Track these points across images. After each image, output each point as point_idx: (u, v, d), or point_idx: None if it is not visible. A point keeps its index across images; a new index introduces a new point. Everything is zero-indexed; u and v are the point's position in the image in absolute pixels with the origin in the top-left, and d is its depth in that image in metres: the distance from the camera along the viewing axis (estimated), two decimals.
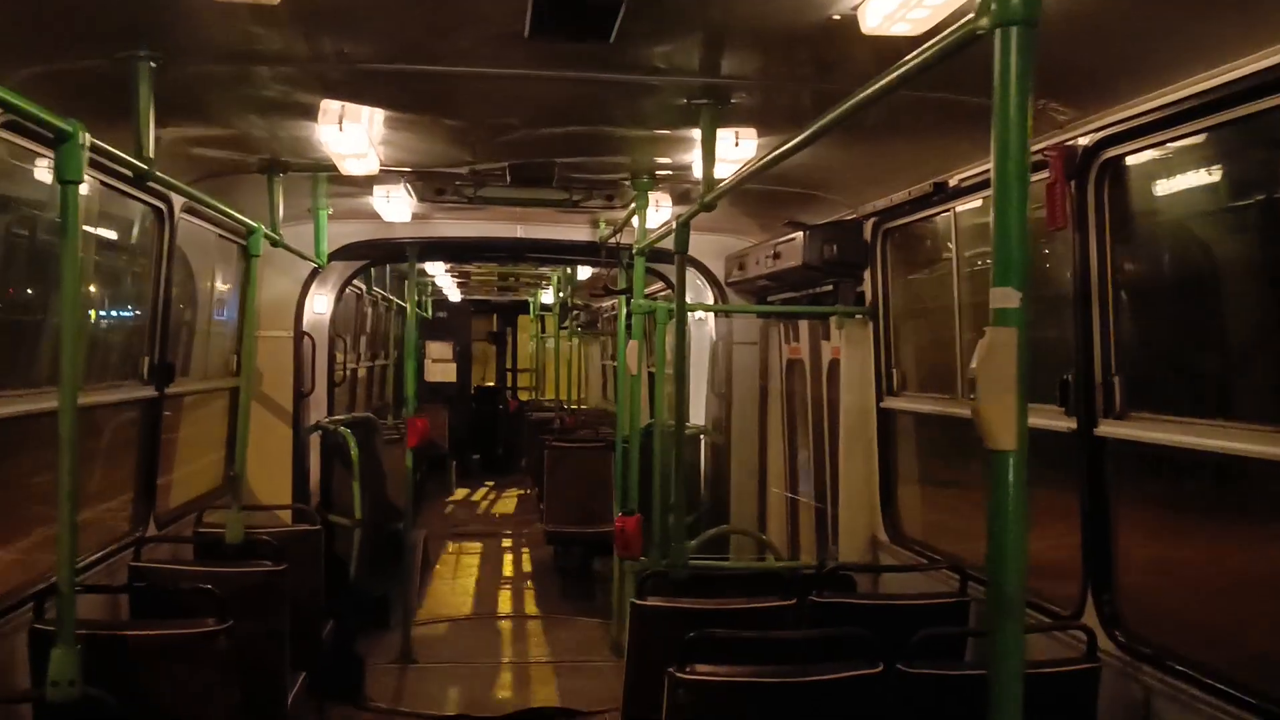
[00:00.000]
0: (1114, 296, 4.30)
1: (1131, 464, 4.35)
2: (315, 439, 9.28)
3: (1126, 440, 4.22)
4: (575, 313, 18.80)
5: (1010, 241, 2.03)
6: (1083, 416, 4.35)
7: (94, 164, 3.90)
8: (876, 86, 3.09)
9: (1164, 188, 4.31)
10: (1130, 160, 4.25)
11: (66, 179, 3.51)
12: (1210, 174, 4.12)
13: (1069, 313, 4.44)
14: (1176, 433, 3.97)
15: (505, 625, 10.43)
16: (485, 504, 18.51)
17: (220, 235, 7.35)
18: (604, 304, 18.14)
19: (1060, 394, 4.45)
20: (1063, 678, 4.06)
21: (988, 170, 5.10)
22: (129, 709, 3.56)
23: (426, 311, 18.92)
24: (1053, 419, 4.46)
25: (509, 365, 25.76)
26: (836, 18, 3.59)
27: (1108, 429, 4.27)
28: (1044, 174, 4.35)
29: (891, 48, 3.38)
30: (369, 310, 15.04)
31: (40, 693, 3.59)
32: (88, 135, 3.57)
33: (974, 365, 2.03)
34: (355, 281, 11.14)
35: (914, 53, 2.72)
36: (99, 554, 5.47)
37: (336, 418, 9.84)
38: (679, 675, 3.92)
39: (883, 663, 4.00)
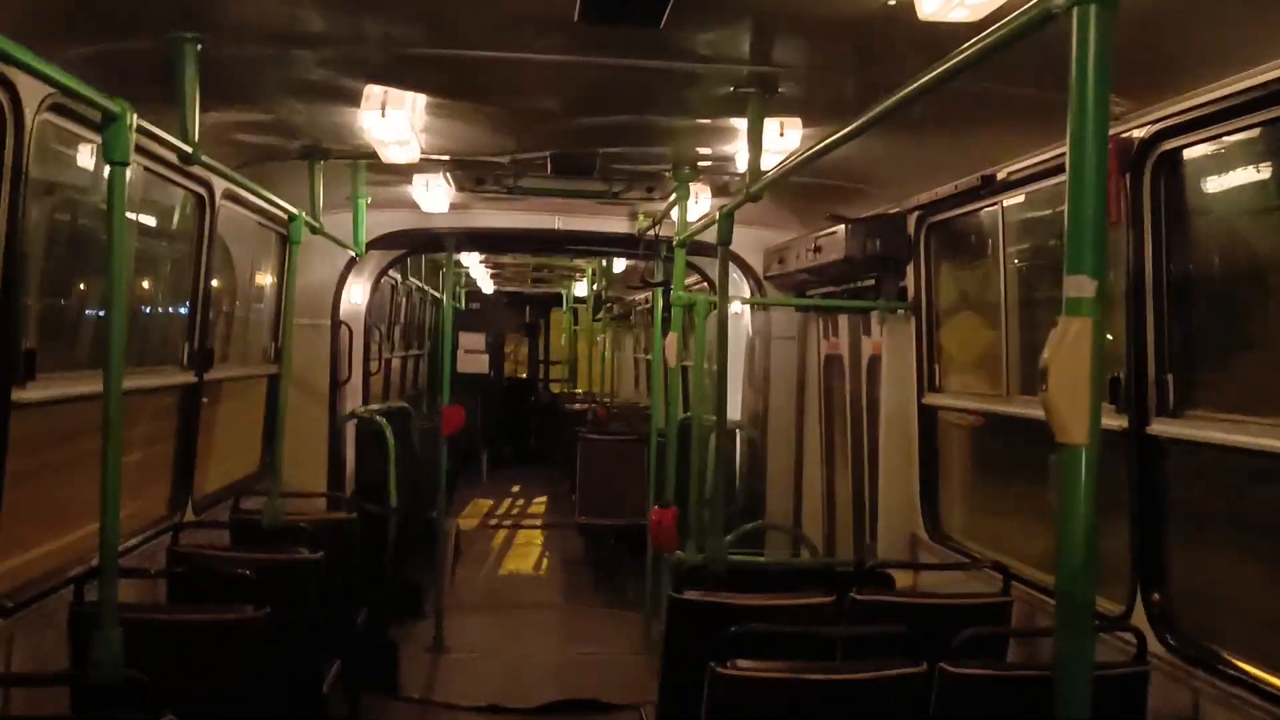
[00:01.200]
0: (1168, 293, 4.21)
1: (1184, 463, 4.26)
2: (351, 427, 9.29)
3: (1180, 439, 4.13)
4: (609, 305, 18.77)
5: (1085, 229, 1.97)
6: (1134, 414, 4.26)
7: (138, 148, 3.89)
8: (932, 75, 3.02)
9: (1223, 182, 4.21)
10: (1188, 154, 4.15)
11: (114, 160, 3.49)
12: (1272, 168, 4.02)
13: (1120, 308, 4.35)
14: (1231, 432, 3.88)
15: (537, 616, 10.42)
16: (517, 495, 18.52)
17: (260, 222, 7.35)
18: (638, 297, 18.10)
19: (1111, 391, 4.36)
20: (1111, 681, 3.98)
21: (1039, 163, 5.05)
22: (166, 692, 3.54)
23: (460, 303, 18.95)
24: (1104, 416, 4.36)
25: (541, 357, 25.76)
26: (892, 3, 3.52)
27: (1160, 427, 4.18)
28: None
29: (948, 35, 3.31)
30: (403, 300, 15.06)
31: (81, 674, 3.59)
32: (135, 116, 3.55)
33: (1046, 356, 1.97)
34: (390, 271, 11.15)
35: (978, 38, 2.64)
36: (137, 538, 5.48)
37: (372, 407, 9.85)
38: (720, 671, 3.87)
39: (926, 662, 3.94)
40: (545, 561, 13.19)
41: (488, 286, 19.84)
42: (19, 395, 4.08)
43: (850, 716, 3.98)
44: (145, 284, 6.41)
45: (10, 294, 3.94)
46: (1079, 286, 1.96)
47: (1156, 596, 4.22)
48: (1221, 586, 4.38)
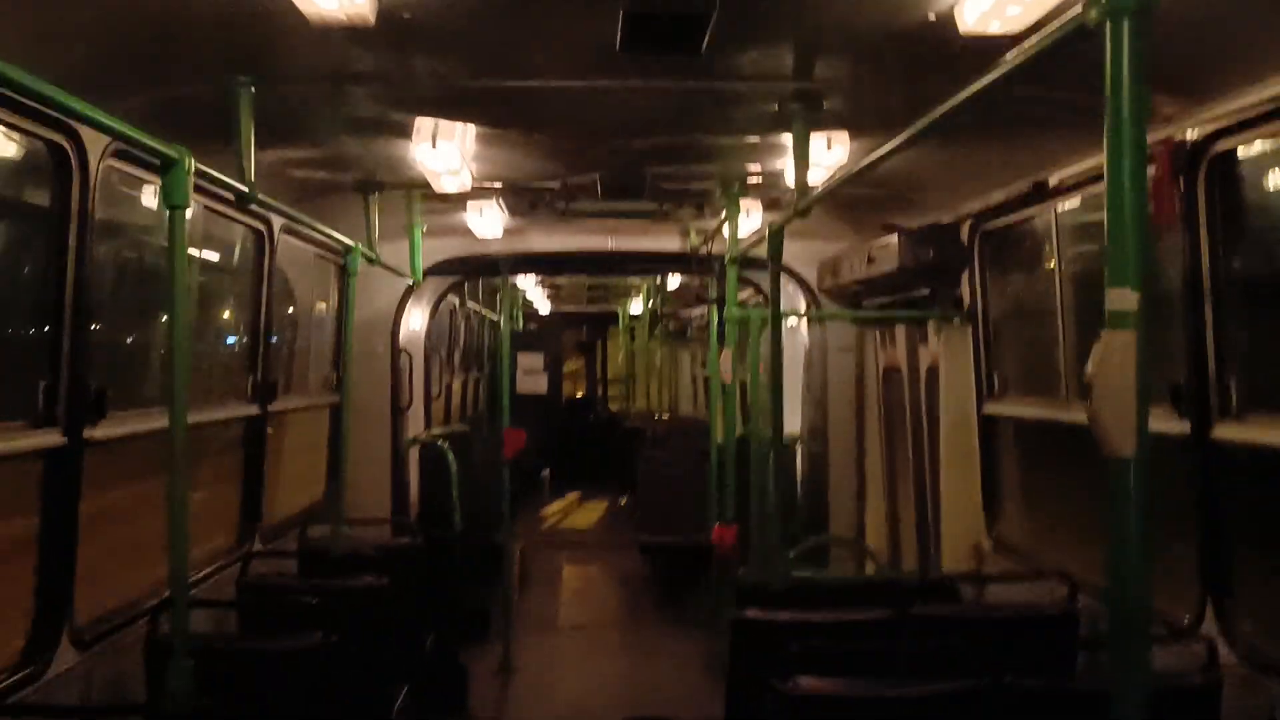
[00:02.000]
0: (1228, 296, 4.14)
1: (1250, 467, 4.18)
2: (414, 452, 9.39)
3: (1244, 443, 4.06)
4: (664, 322, 18.79)
5: (1125, 240, 1.96)
6: (1196, 419, 4.19)
7: (198, 189, 4.00)
8: (977, 87, 3.02)
9: (1279, 182, 4.14)
10: (1242, 153, 4.09)
11: (174, 204, 3.60)
12: None
13: (1177, 313, 4.29)
14: None
15: (603, 635, 10.44)
16: (578, 515, 18.56)
17: (318, 255, 7.49)
18: (693, 312, 18.10)
19: (1172, 396, 4.30)
20: (1182, 691, 3.91)
21: (1090, 168, 5.00)
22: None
23: (518, 324, 19.09)
24: (1164, 422, 4.31)
25: (599, 376, 25.84)
26: (933, 18, 3.52)
27: (1224, 432, 4.11)
28: (1149, 170, 4.20)
29: (989, 47, 3.31)
30: (462, 324, 15.22)
31: (156, 705, 3.67)
32: (193, 161, 3.66)
33: (1089, 370, 1.96)
34: (448, 296, 11.27)
35: (1018, 49, 2.65)
36: (208, 569, 5.59)
37: (434, 431, 9.95)
38: (782, 691, 3.86)
39: (990, 677, 3.90)
40: (609, 581, 13.21)
41: (544, 307, 19.96)
42: (90, 433, 4.21)
43: None
44: (213, 318, 6.56)
45: (79, 334, 4.07)
46: (1121, 300, 1.95)
47: (1226, 605, 4.14)
48: None
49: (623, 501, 17.19)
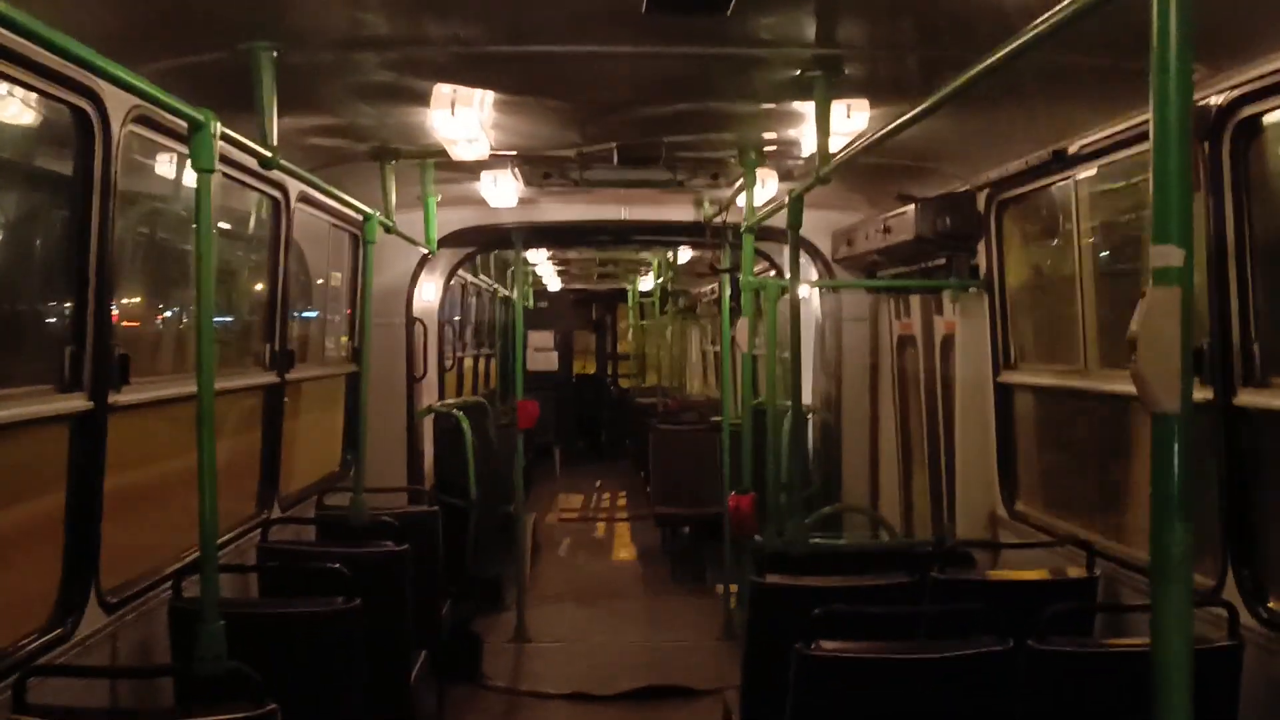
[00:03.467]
0: (1252, 260, 4.13)
1: (1273, 433, 4.18)
2: (428, 423, 9.42)
3: (1268, 409, 4.06)
4: (674, 298, 18.79)
5: (1170, 198, 1.95)
6: (1220, 385, 4.19)
7: (220, 155, 4.00)
8: (1005, 51, 3.01)
9: None
10: (1268, 119, 4.07)
11: (201, 167, 3.60)
12: None
13: (1202, 278, 4.28)
14: None
15: (617, 605, 10.50)
16: (591, 488, 18.63)
17: (334, 224, 7.49)
18: (703, 289, 18.08)
19: (1195, 362, 4.29)
20: (1204, 656, 3.91)
21: (1111, 134, 4.98)
22: (268, 682, 3.66)
23: (529, 301, 19.10)
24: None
25: (610, 352, 25.88)
26: None
27: (1248, 398, 4.11)
28: None
29: (1015, 8, 3.30)
30: (473, 300, 15.23)
31: (186, 666, 3.71)
32: (219, 124, 3.66)
33: (1134, 327, 1.96)
34: (460, 271, 11.28)
35: (1050, 12, 2.63)
36: (229, 535, 5.63)
37: (449, 401, 9.97)
38: (807, 653, 3.89)
39: (1012, 640, 3.92)
40: (622, 551, 13.28)
41: (554, 284, 19.95)
42: (115, 399, 4.22)
43: (936, 695, 3.98)
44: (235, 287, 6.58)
45: (102, 302, 4.08)
46: (1166, 256, 1.94)
47: (1248, 570, 4.15)
48: None
49: (636, 473, 17.23)
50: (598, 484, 18.79)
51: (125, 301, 5.05)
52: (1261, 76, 3.89)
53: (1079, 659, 3.98)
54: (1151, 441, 1.98)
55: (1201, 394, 4.26)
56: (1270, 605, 4.09)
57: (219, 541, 5.38)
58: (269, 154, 4.46)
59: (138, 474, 5.29)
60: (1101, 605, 5.04)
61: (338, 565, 4.82)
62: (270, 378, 6.33)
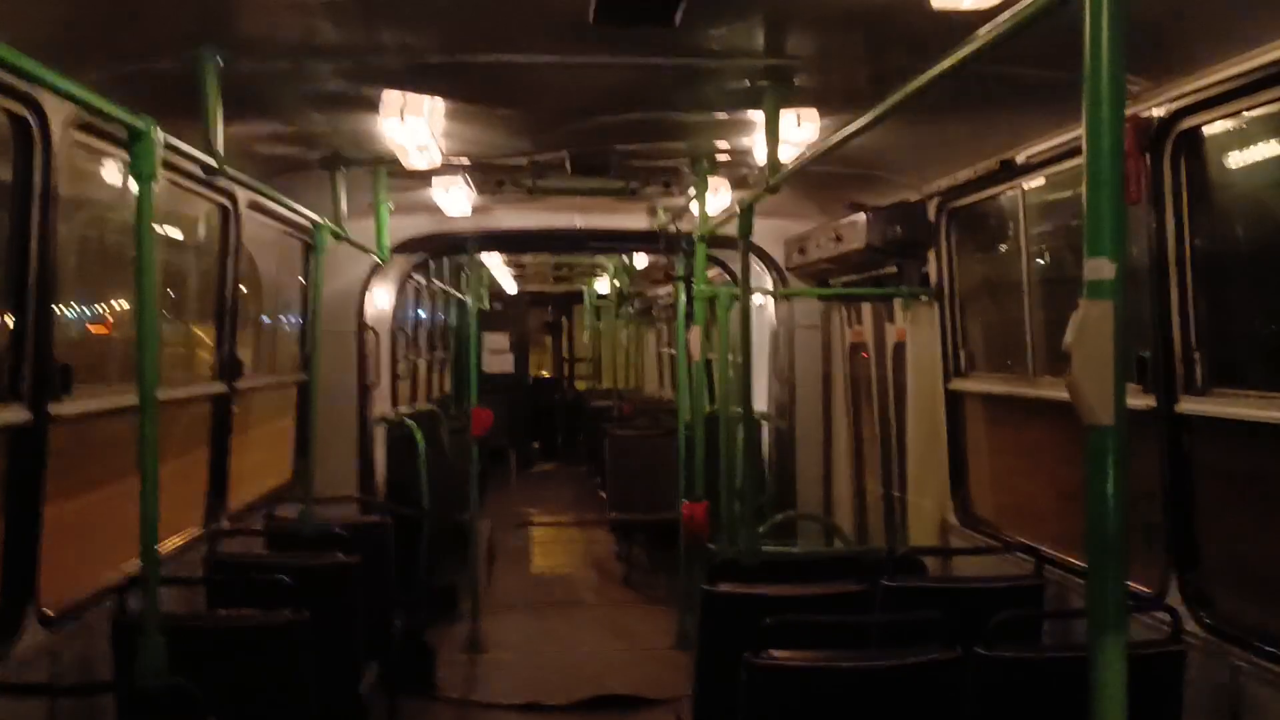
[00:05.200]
0: (1193, 271, 4.20)
1: (1214, 441, 4.25)
2: (381, 431, 9.35)
3: (1209, 417, 4.12)
4: (631, 301, 18.79)
5: (1103, 211, 1.98)
6: (1162, 393, 4.25)
7: (164, 163, 3.95)
8: (948, 63, 3.03)
9: (1244, 158, 4.19)
10: (1208, 131, 4.14)
11: (142, 175, 3.55)
12: None
13: (1144, 287, 4.34)
14: (1259, 408, 3.88)
15: (572, 613, 10.46)
16: (547, 493, 18.57)
17: (285, 232, 7.42)
18: (659, 292, 18.10)
19: (1138, 371, 4.36)
20: (1147, 660, 3.98)
21: (1057, 145, 5.04)
22: (211, 697, 3.61)
23: (484, 303, 19.02)
24: (1131, 396, 4.34)
25: (565, 355, 25.83)
26: None
27: (1189, 406, 4.17)
28: None
29: (961, 22, 3.32)
30: (427, 303, 15.13)
31: (128, 682, 3.65)
32: (160, 132, 3.61)
33: (1068, 339, 1.98)
34: (414, 275, 11.22)
35: (991, 25, 2.65)
36: (175, 547, 5.55)
37: (401, 410, 9.91)
38: (756, 662, 3.89)
39: (960, 647, 3.95)
40: (577, 558, 13.23)
41: (510, 287, 19.89)
42: (56, 409, 4.15)
43: (886, 703, 4.00)
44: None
45: (44, 310, 4.01)
46: (1099, 269, 1.97)
47: (1190, 576, 4.21)
48: (1257, 564, 4.36)
49: (591, 478, 17.20)
50: (552, 487, 18.73)
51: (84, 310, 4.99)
52: (1201, 89, 3.96)
53: (1025, 665, 4.02)
54: (1087, 452, 2.00)
55: (1144, 402, 4.33)
56: (1212, 610, 4.15)
57: (164, 554, 5.33)
58: (214, 162, 4.41)
59: (82, 485, 5.21)
60: (1048, 612, 5.09)
61: (286, 577, 4.77)
62: (218, 387, 6.25)
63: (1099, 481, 1.98)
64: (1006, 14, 2.57)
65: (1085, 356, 1.96)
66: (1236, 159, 4.22)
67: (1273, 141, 4.06)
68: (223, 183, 5.35)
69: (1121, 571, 1.99)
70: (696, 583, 7.17)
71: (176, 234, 6.21)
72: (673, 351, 17.99)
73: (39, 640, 4.07)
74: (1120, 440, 1.97)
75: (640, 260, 13.95)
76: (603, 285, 18.85)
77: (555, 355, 25.68)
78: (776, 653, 3.94)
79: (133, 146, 3.55)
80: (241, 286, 6.58)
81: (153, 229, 3.68)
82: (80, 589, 4.59)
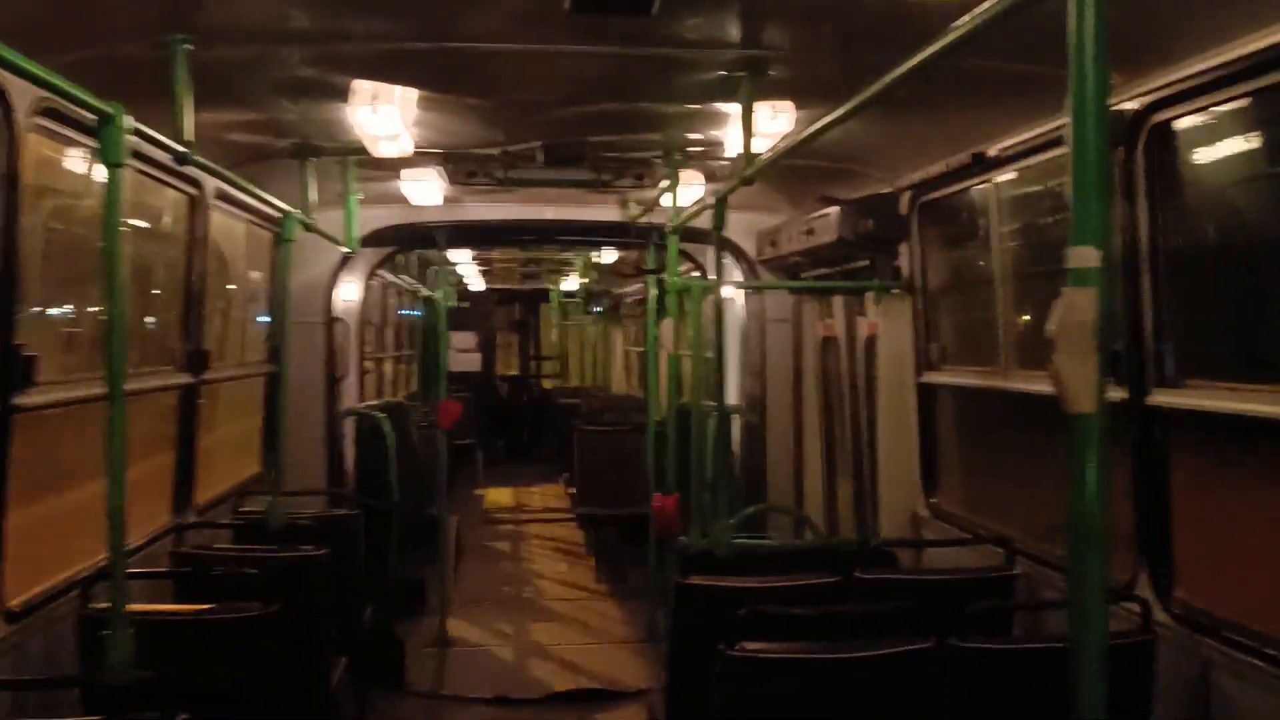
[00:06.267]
0: (1164, 264, 4.23)
1: (1185, 433, 4.28)
2: (350, 425, 9.29)
3: (1180, 409, 4.16)
4: (598, 299, 18.78)
5: (1089, 201, 1.98)
6: (1134, 386, 4.28)
7: (131, 150, 3.88)
8: (925, 55, 3.04)
9: (1214, 153, 4.23)
10: (1179, 125, 4.17)
11: (110, 162, 3.49)
12: (1262, 138, 4.03)
13: (1116, 281, 4.37)
14: (1230, 400, 3.91)
15: (541, 607, 10.45)
16: (514, 489, 18.52)
17: (253, 222, 7.34)
18: (626, 290, 18.08)
19: (1110, 363, 4.38)
20: (1118, 650, 3.98)
21: (1029, 139, 5.06)
22: (179, 691, 3.56)
23: (451, 301, 18.89)
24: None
25: (533, 353, 25.77)
26: None
27: (1161, 398, 4.20)
28: None
29: (937, 13, 3.32)
30: (395, 300, 15.05)
31: (94, 676, 3.59)
32: (129, 118, 3.55)
33: (1051, 327, 1.99)
34: (382, 272, 11.14)
35: (970, 16, 2.66)
36: (141, 540, 5.48)
37: (370, 403, 9.84)
38: (730, 653, 3.89)
39: (933, 638, 3.96)
40: (546, 552, 13.21)
41: (477, 284, 19.81)
42: (20, 400, 4.08)
43: (859, 694, 4.00)
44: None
45: (7, 299, 3.94)
46: (1083, 257, 1.97)
47: (1161, 567, 4.25)
48: (1226, 554, 4.40)
49: (558, 476, 17.18)
50: (520, 485, 18.69)
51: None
52: (1175, 82, 3.98)
53: (998, 656, 4.03)
54: (1069, 440, 2.01)
55: (1116, 394, 4.35)
56: (1181, 600, 4.18)
57: (130, 547, 5.24)
58: (183, 150, 4.35)
59: (47, 477, 5.12)
60: (1023, 604, 5.12)
61: (254, 570, 4.72)
62: (184, 378, 6.18)
63: (1081, 469, 1.98)
64: (984, 6, 2.57)
65: (1068, 344, 1.97)
66: (1209, 152, 4.25)
67: (1245, 135, 4.08)
68: (190, 171, 5.27)
69: (1104, 560, 1.99)
70: (667, 576, 7.18)
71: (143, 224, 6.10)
72: (640, 350, 18.01)
73: (3, 634, 4.01)
74: (1101, 428, 1.97)
75: (607, 257, 13.93)
76: (570, 283, 18.82)
77: (522, 353, 25.61)
78: (750, 644, 3.94)
79: (101, 133, 3.49)
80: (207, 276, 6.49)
81: (122, 218, 3.62)
82: (45, 582, 4.51)
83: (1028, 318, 5.66)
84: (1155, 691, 3.99)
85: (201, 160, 4.63)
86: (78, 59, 3.98)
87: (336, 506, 7.73)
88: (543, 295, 22.50)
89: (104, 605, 4.02)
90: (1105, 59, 2.00)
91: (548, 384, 24.65)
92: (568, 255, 15.78)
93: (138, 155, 4.91)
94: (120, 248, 3.62)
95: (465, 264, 15.97)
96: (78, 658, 4.35)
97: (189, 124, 4.35)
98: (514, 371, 25.20)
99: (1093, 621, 2.00)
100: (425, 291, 16.33)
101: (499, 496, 17.47)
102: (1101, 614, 2.01)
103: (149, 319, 6.34)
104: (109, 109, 3.46)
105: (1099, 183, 1.99)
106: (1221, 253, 4.36)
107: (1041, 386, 5.29)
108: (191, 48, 4.15)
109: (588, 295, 17.82)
